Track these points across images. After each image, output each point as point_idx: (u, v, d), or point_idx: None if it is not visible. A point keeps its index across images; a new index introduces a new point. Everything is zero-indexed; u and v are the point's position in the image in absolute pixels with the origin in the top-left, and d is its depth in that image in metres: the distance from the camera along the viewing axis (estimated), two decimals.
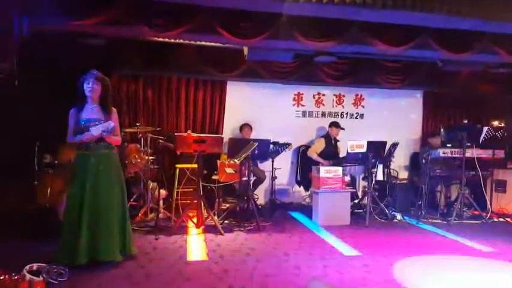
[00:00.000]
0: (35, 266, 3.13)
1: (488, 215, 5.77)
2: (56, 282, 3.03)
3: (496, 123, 7.20)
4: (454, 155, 5.89)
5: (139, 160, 5.13)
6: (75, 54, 4.98)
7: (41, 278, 2.97)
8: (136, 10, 4.31)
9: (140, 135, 5.36)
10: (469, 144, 5.73)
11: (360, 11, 4.27)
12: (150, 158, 5.23)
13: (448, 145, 5.92)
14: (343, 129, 6.51)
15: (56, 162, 5.04)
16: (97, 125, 3.41)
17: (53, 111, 3.96)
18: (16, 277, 2.81)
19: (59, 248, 3.38)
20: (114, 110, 3.63)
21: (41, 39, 4.57)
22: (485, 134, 6.03)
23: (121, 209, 3.59)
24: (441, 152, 5.86)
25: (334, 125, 6.50)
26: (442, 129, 6.01)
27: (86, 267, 3.31)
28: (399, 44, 4.97)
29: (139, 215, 4.99)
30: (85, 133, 3.39)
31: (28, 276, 2.93)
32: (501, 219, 5.82)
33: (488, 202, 5.98)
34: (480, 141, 5.97)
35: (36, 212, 4.49)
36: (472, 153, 5.76)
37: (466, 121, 7.26)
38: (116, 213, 3.51)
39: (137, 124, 5.54)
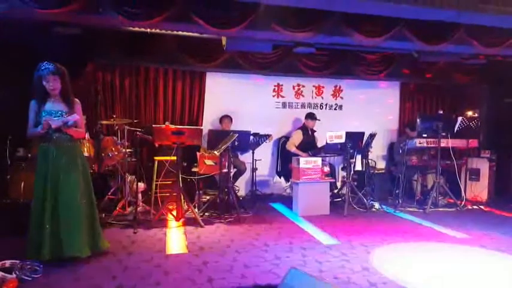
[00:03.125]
0: (7, 262, 3.05)
1: (463, 203, 5.94)
2: (29, 279, 2.95)
3: (470, 113, 7.40)
4: (429, 145, 6.02)
5: (116, 153, 5.03)
6: (50, 43, 4.81)
7: (13, 275, 2.89)
8: None
9: (117, 127, 5.25)
10: (444, 134, 5.86)
11: (336, 2, 4.26)
12: (128, 150, 5.13)
13: (424, 135, 6.03)
14: (318, 120, 6.55)
15: (29, 155, 4.89)
16: (59, 117, 3.31)
17: (26, 103, 3.82)
18: None
19: (27, 243, 3.28)
20: (77, 101, 3.50)
21: (13, 27, 4.39)
22: (460, 124, 6.18)
23: (88, 203, 3.47)
24: (417, 142, 5.98)
25: (310, 116, 6.54)
26: (418, 120, 6.11)
27: (62, 263, 3.23)
28: (376, 35, 5.01)
29: (117, 208, 4.90)
30: (39, 125, 3.26)
31: (0, 273, 2.84)
32: (475, 207, 6.00)
33: (463, 190, 6.16)
34: (455, 131, 6.11)
35: (9, 207, 4.36)
36: (447, 142, 5.89)
37: (441, 111, 7.42)
38: (81, 207, 3.38)
39: (114, 116, 5.41)
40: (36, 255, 3.20)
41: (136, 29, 5.14)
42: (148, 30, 5.22)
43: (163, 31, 5.29)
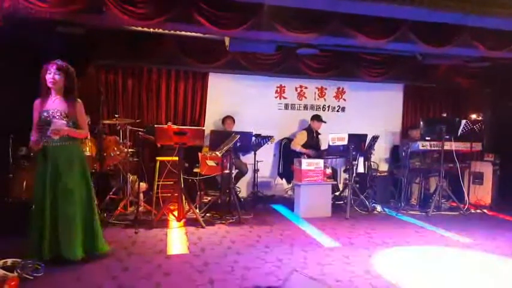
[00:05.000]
0: (9, 261, 3.05)
1: (466, 207, 5.91)
2: (31, 278, 2.94)
3: (474, 116, 7.35)
4: (432, 148, 5.99)
5: (118, 152, 5.03)
6: (53, 43, 4.80)
7: (15, 274, 2.89)
8: None
9: (119, 127, 5.24)
10: (447, 137, 5.83)
11: (340, 3, 4.24)
12: (130, 150, 5.12)
13: (427, 138, 6.01)
14: (325, 122, 6.53)
15: (32, 154, 4.88)
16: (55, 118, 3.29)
17: (29, 102, 3.82)
18: None
19: (28, 243, 3.27)
20: (79, 101, 3.45)
21: (16, 27, 4.39)
22: (464, 127, 6.14)
23: (86, 204, 3.41)
24: (420, 145, 5.95)
25: (316, 118, 6.51)
26: (421, 122, 6.09)
27: (63, 262, 3.23)
28: (380, 36, 4.98)
29: (119, 208, 4.89)
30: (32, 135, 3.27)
31: (1, 271, 2.84)
32: (478, 211, 5.96)
33: (466, 194, 6.11)
34: (458, 134, 6.08)
35: (11, 206, 4.35)
36: (450, 146, 5.86)
37: (445, 114, 7.38)
38: (78, 208, 3.33)
39: (116, 116, 5.41)
40: (38, 256, 3.19)
41: (140, 29, 5.14)
42: (151, 30, 5.22)
43: (166, 31, 5.28)
